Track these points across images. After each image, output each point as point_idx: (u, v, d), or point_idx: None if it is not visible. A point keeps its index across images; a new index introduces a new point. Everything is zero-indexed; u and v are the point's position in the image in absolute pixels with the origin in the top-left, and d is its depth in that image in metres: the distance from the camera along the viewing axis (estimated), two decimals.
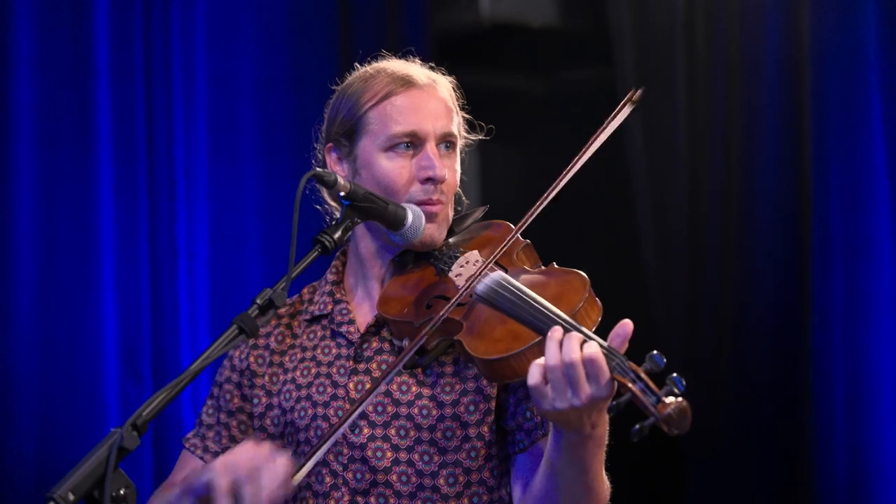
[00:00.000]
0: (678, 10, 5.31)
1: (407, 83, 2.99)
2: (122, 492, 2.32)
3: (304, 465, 2.69)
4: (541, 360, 2.53)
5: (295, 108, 5.06)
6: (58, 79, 4.82)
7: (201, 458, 3.07)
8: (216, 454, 3.04)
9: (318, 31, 5.19)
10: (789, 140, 5.15)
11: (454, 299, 2.77)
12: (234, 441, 3.05)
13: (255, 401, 3.05)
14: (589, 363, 2.47)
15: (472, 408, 2.89)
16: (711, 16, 5.27)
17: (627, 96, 2.81)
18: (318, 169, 2.77)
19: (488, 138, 3.17)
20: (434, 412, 2.90)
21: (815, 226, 5.11)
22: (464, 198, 3.14)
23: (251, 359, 3.09)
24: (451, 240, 3.04)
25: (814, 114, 5.12)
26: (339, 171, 3.02)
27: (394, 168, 2.95)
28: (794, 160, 5.14)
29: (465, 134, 3.11)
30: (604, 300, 2.75)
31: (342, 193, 2.79)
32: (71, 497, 2.28)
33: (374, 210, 2.84)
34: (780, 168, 5.17)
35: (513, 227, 2.93)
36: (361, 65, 3.10)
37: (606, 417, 2.58)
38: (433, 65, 3.11)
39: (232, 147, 5.06)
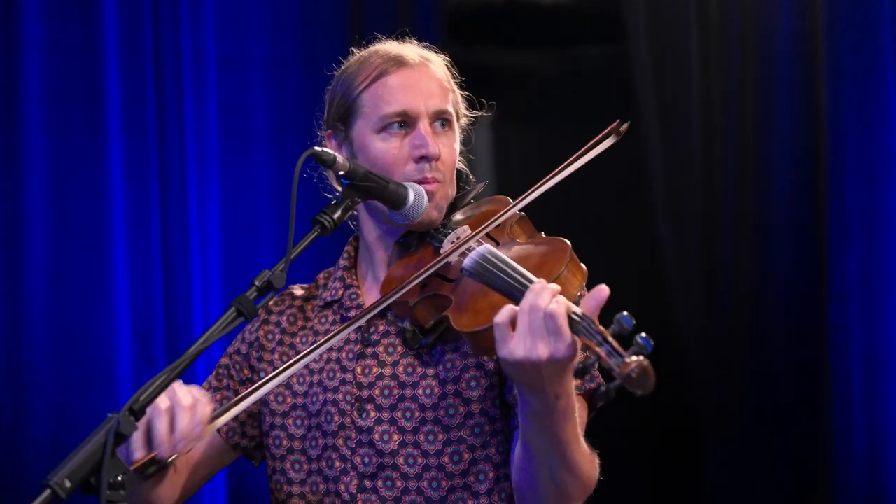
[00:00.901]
0: None
1: (398, 63, 2.98)
2: (119, 478, 2.30)
3: (226, 411, 2.71)
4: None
5: (306, 90, 5.03)
6: (67, 64, 4.82)
7: None
8: None
9: (329, 12, 5.16)
10: (804, 115, 5.11)
11: (415, 276, 2.79)
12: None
13: (262, 375, 3.05)
14: (549, 317, 2.43)
15: (473, 383, 2.88)
16: None
17: (612, 127, 2.85)
18: (315, 147, 2.73)
19: (490, 115, 3.15)
20: (437, 390, 2.90)
21: (831, 201, 5.07)
22: (472, 177, 3.12)
23: (260, 332, 3.11)
24: (453, 217, 3.02)
25: (828, 88, 5.07)
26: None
27: (387, 149, 2.94)
28: (809, 135, 5.10)
29: (465, 112, 3.10)
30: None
31: (341, 172, 2.77)
32: (67, 484, 2.25)
33: (375, 189, 2.82)
34: (795, 143, 5.13)
35: (511, 201, 2.92)
36: (359, 48, 3.09)
37: (572, 388, 2.54)
38: (428, 44, 3.10)
39: (243, 130, 5.04)
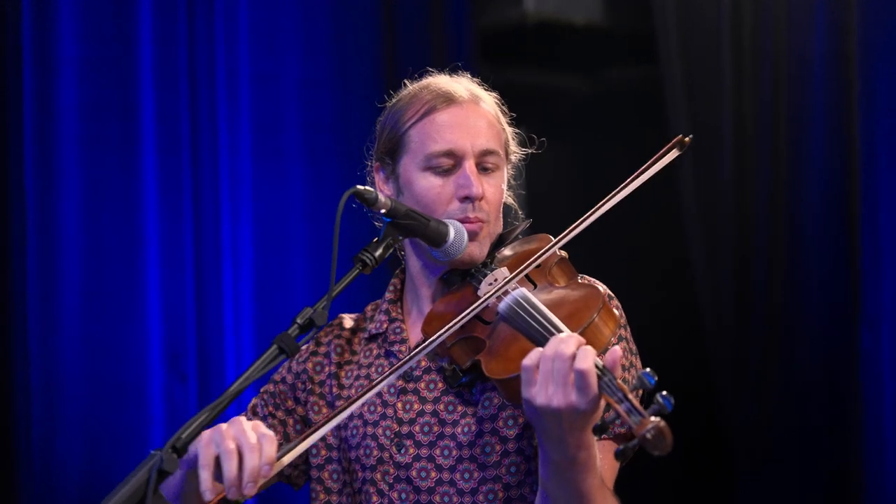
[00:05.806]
0: (724, 6, 5.25)
1: (447, 99, 2.98)
2: None
3: (291, 449, 2.68)
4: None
5: (339, 109, 5.04)
6: (102, 80, 4.83)
7: None
8: None
9: (361, 32, 5.17)
10: (837, 139, 5.07)
11: (455, 322, 2.76)
12: (288, 439, 3.06)
13: (316, 408, 3.06)
14: (579, 374, 2.44)
15: (510, 422, 2.87)
16: (758, 13, 5.21)
17: (675, 140, 2.79)
18: (358, 186, 2.73)
19: (540, 151, 3.15)
20: (474, 428, 2.89)
21: (863, 226, 5.03)
22: (520, 212, 3.14)
23: (309, 364, 3.10)
24: (500, 253, 3.02)
25: (862, 113, 5.03)
26: (385, 191, 3.02)
27: (432, 187, 2.94)
28: (842, 159, 5.06)
29: (515, 149, 3.10)
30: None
31: (383, 211, 2.77)
32: None
33: (416, 227, 2.83)
34: (828, 167, 5.09)
35: (552, 240, 2.92)
36: (411, 80, 3.10)
37: (593, 441, 2.54)
38: (480, 81, 3.09)
39: (276, 148, 5.05)
